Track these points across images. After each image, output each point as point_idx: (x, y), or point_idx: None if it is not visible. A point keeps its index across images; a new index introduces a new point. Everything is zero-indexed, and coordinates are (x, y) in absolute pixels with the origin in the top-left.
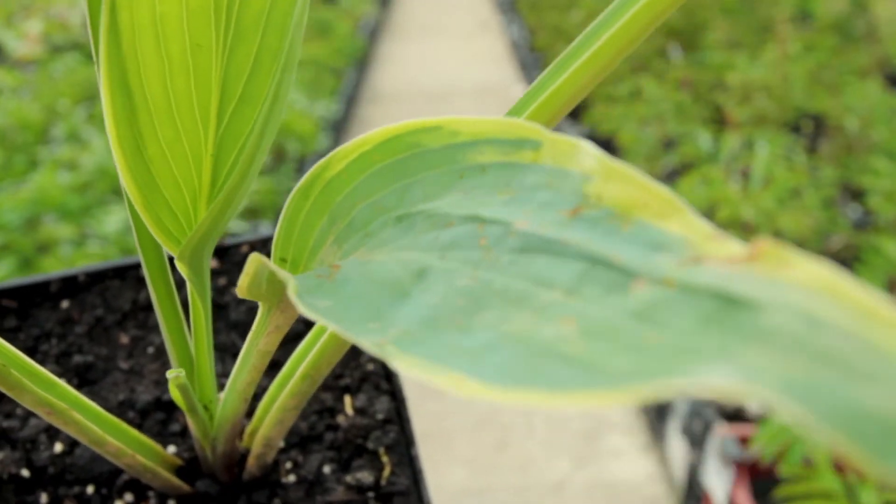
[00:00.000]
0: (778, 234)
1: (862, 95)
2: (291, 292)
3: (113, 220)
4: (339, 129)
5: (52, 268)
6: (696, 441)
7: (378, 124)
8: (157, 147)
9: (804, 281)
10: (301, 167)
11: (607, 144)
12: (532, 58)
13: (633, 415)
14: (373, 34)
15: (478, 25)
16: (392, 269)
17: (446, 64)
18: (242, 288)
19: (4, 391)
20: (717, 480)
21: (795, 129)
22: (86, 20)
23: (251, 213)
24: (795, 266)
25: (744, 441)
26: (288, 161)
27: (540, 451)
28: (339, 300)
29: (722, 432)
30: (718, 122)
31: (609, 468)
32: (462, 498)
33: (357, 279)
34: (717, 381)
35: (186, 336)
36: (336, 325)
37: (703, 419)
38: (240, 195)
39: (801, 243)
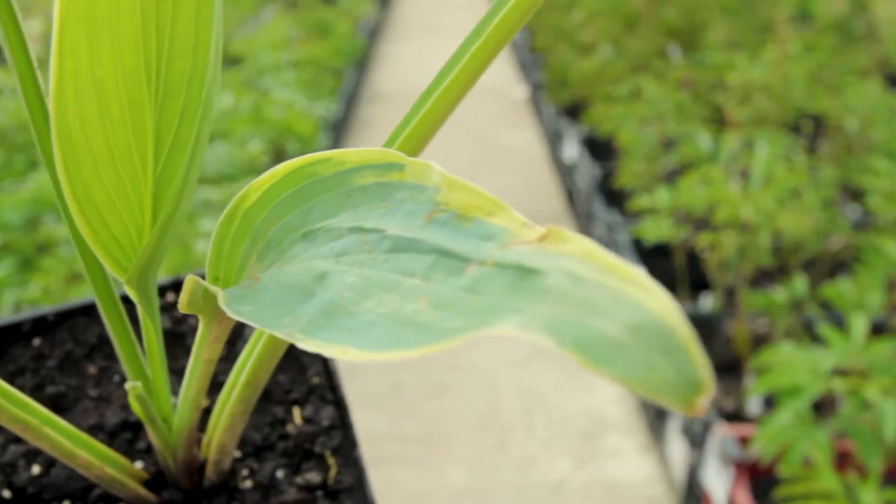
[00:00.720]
0: (778, 234)
1: (862, 95)
2: (221, 302)
3: None
4: (338, 129)
5: (52, 268)
6: (696, 441)
7: (378, 124)
8: (103, 191)
9: (575, 251)
10: None
11: (607, 144)
12: (532, 58)
13: (632, 415)
14: (372, 34)
15: None
16: (299, 275)
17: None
18: (183, 304)
19: None
20: (717, 480)
21: (795, 129)
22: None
23: None
24: (570, 241)
25: (743, 441)
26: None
27: (540, 451)
28: (259, 305)
29: (722, 432)
30: (718, 122)
31: (609, 468)
32: (462, 498)
33: (273, 287)
34: (506, 328)
35: (140, 356)
36: (257, 323)
37: (702, 419)
38: (173, 225)
39: (801, 243)
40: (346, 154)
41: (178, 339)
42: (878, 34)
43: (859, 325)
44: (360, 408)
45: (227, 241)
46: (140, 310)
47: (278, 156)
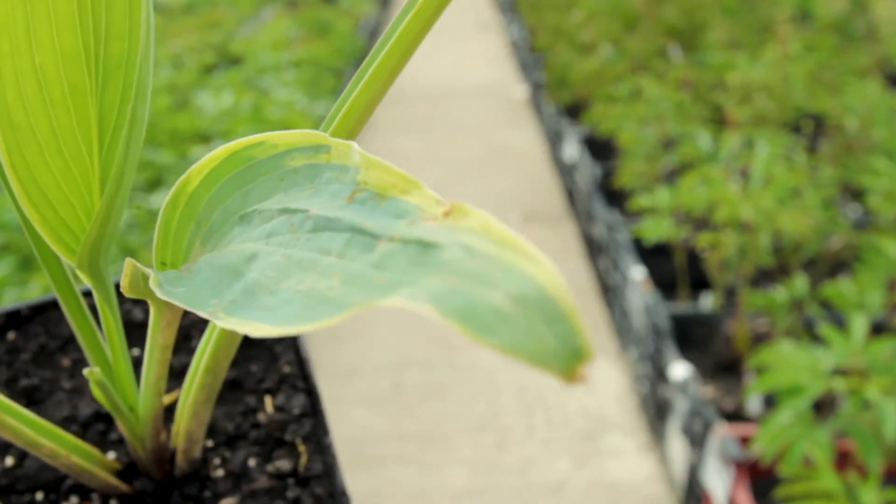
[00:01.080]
0: (778, 234)
1: (862, 95)
2: (152, 284)
3: None
4: None
5: None
6: (696, 441)
7: (378, 124)
8: (49, 175)
9: (473, 226)
10: None
11: (607, 144)
12: (532, 58)
13: (632, 414)
14: (373, 34)
15: (478, 25)
16: (231, 257)
17: (446, 64)
18: (125, 287)
19: None
20: (718, 480)
21: (795, 129)
22: None
23: None
24: (469, 216)
25: (744, 441)
26: None
27: (540, 451)
28: (190, 286)
29: (722, 432)
30: (718, 121)
31: (609, 468)
32: (462, 498)
33: (205, 268)
34: (395, 300)
35: (102, 344)
36: (185, 304)
37: (703, 419)
38: (118, 203)
39: (801, 243)
40: (277, 137)
41: (146, 330)
42: (877, 34)
43: (859, 324)
44: (360, 408)
45: (172, 226)
46: (95, 295)
47: None
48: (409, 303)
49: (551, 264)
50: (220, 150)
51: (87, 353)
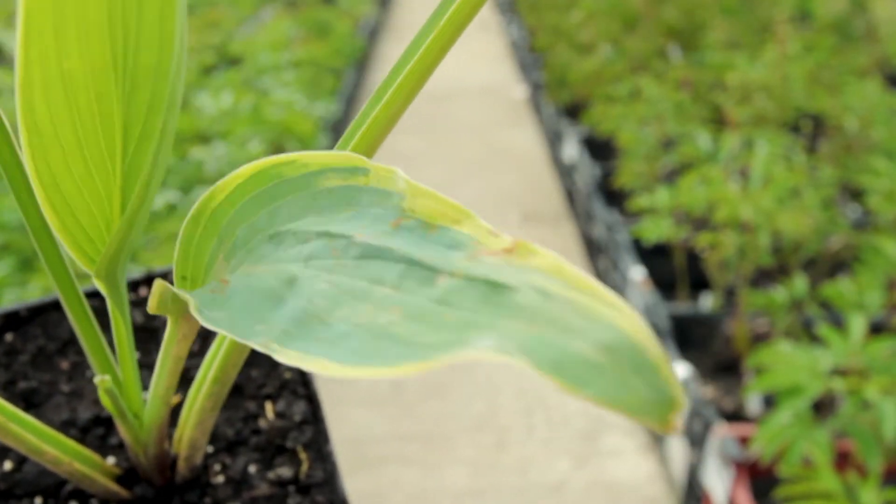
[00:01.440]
0: (777, 234)
1: (861, 95)
2: (193, 310)
3: None
4: (338, 129)
5: None
6: (696, 441)
7: None
8: (71, 181)
9: (542, 266)
10: None
11: (607, 144)
12: (531, 58)
13: None
14: (372, 34)
15: (477, 25)
16: (269, 279)
17: (446, 64)
18: (152, 307)
19: None
20: (717, 480)
21: (795, 129)
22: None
23: None
24: (537, 255)
25: (743, 441)
26: None
27: (540, 451)
28: (230, 311)
29: (722, 432)
30: (718, 121)
31: (609, 468)
32: (463, 498)
33: (243, 290)
34: (482, 351)
35: (107, 350)
36: (231, 333)
37: (702, 419)
38: (141, 216)
39: (801, 243)
40: (309, 156)
41: (150, 334)
42: (877, 34)
43: (858, 324)
44: (360, 408)
45: (194, 241)
46: (109, 303)
47: None
48: (498, 354)
49: (633, 310)
50: (247, 168)
51: (91, 358)
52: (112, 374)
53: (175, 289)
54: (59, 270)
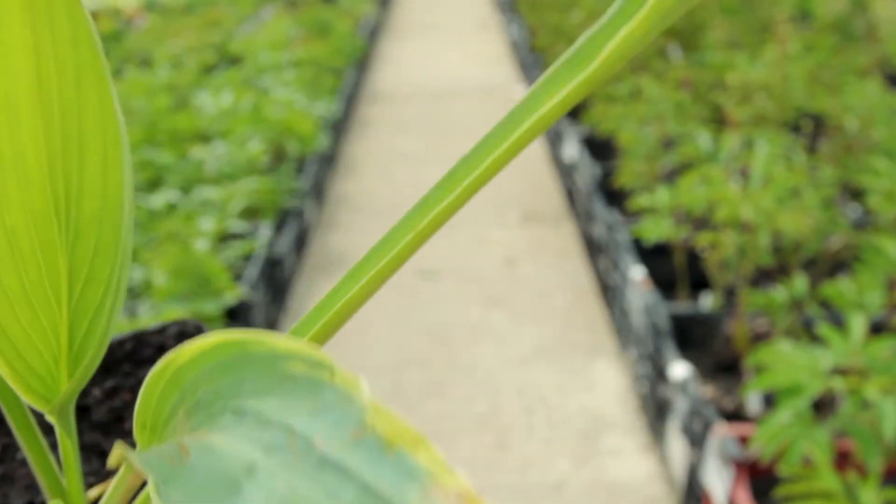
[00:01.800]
0: (778, 234)
1: (861, 95)
2: (152, 489)
3: None
4: (338, 128)
5: None
6: (696, 440)
7: (377, 124)
8: (18, 327)
9: None
10: (301, 167)
11: (607, 144)
12: (532, 57)
13: (632, 414)
14: (372, 34)
15: (478, 25)
16: (228, 461)
17: (446, 64)
18: (112, 463)
19: None
20: (717, 480)
21: (795, 128)
22: None
23: (251, 213)
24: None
25: (743, 440)
26: (288, 161)
27: (540, 450)
28: (189, 492)
29: (722, 432)
30: (718, 121)
31: (609, 468)
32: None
33: (200, 468)
34: None
35: (55, 468)
36: None
37: (702, 418)
38: (95, 362)
39: (801, 243)
40: (274, 339)
41: (82, 412)
42: (877, 34)
43: (858, 324)
44: None
45: (156, 393)
46: (58, 431)
47: (278, 155)
48: None
49: None
50: (212, 338)
51: (38, 474)
52: (58, 491)
53: (135, 459)
54: (14, 409)
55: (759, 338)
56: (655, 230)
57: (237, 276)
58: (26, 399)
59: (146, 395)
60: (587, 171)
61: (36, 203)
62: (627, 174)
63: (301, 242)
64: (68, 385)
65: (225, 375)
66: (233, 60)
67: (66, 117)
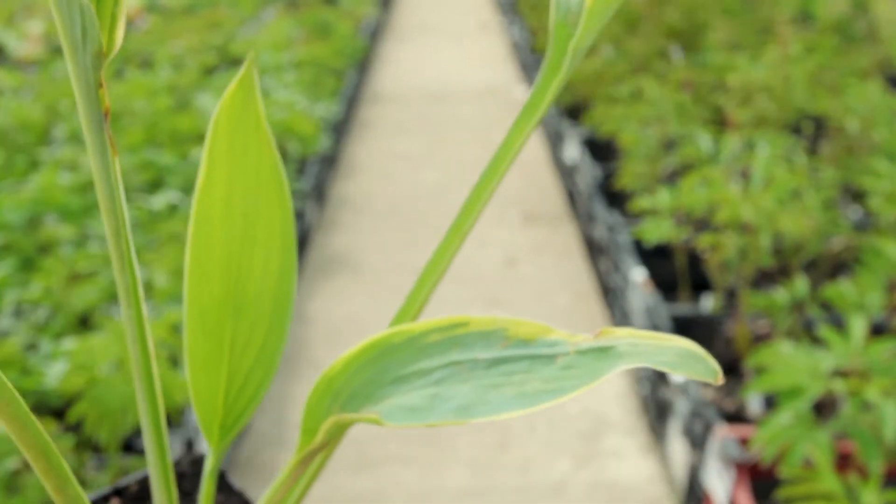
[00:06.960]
0: (778, 235)
1: (863, 97)
2: (380, 416)
3: None
4: (339, 129)
5: (53, 268)
6: (697, 442)
7: (378, 125)
8: (201, 375)
9: (625, 334)
10: (302, 168)
11: (608, 145)
12: (533, 59)
13: (633, 415)
14: (374, 35)
15: (479, 26)
16: (413, 399)
17: (447, 65)
18: (321, 438)
19: None
20: (718, 481)
21: (796, 130)
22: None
23: None
24: (617, 331)
25: (744, 442)
26: (289, 162)
27: (540, 451)
28: (398, 415)
29: (723, 433)
30: (719, 123)
31: (609, 469)
32: (463, 498)
33: (397, 409)
34: (619, 369)
35: None
36: (420, 422)
37: (703, 420)
38: (247, 408)
39: (802, 244)
40: (412, 326)
41: None
42: (878, 35)
43: (859, 325)
44: None
45: (314, 402)
46: (210, 461)
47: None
48: (631, 366)
49: (684, 339)
50: (356, 346)
51: None
52: None
53: (361, 417)
54: (161, 462)
55: (760, 339)
56: (656, 231)
57: None
58: (199, 420)
59: (307, 405)
60: (588, 173)
61: (215, 292)
62: (628, 175)
63: (302, 243)
64: (229, 436)
65: (371, 367)
66: (234, 62)
67: (245, 230)
